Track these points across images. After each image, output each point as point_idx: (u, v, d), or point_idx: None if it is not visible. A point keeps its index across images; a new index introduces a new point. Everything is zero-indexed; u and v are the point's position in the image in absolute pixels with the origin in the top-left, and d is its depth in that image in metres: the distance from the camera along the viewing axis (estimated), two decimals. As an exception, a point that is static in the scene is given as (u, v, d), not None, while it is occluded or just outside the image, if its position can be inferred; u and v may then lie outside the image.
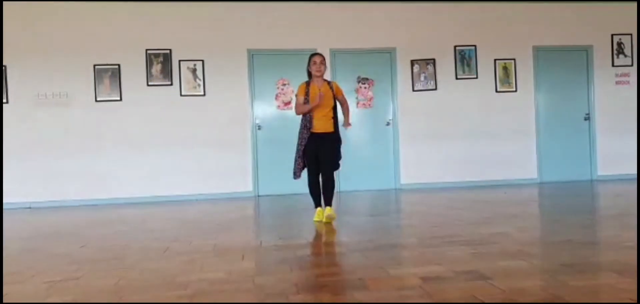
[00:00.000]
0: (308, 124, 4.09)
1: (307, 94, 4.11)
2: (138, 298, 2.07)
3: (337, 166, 4.18)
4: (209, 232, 3.82)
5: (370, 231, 3.60)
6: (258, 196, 6.80)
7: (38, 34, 6.53)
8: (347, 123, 4.30)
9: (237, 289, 2.14)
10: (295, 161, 4.17)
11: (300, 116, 4.16)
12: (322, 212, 4.06)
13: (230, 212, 5.08)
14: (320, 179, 4.12)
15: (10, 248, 3.45)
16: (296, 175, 4.18)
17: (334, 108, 4.16)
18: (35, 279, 2.48)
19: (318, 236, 3.58)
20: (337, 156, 4.16)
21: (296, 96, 4.25)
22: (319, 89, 4.07)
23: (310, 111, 4.06)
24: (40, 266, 2.81)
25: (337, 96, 4.18)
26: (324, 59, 4.20)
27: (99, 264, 2.79)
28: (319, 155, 4.07)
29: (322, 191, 4.11)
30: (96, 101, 6.62)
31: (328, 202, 4.08)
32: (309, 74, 4.20)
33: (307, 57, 4.27)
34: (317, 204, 4.15)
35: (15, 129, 6.46)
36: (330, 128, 4.12)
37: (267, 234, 3.71)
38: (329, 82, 4.21)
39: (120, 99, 6.66)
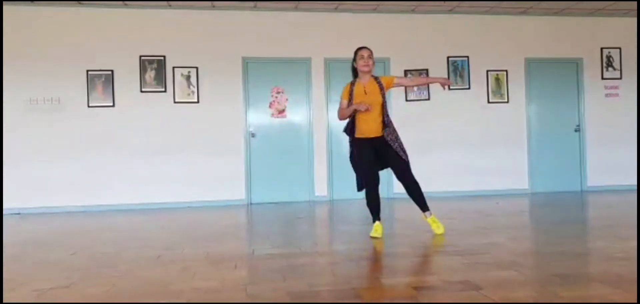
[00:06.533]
0: (350, 128, 3.69)
1: (351, 95, 3.70)
2: (130, 306, 2.05)
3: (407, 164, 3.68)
4: (201, 240, 3.80)
5: (364, 240, 3.60)
6: (251, 204, 6.77)
7: (30, 39, 6.50)
8: (443, 83, 3.92)
9: (230, 298, 2.13)
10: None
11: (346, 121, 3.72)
12: (381, 228, 3.63)
13: (223, 220, 5.06)
14: (405, 189, 3.73)
15: (0, 255, 3.41)
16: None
17: (383, 107, 3.66)
18: (25, 287, 2.45)
19: (311, 245, 3.58)
20: (402, 153, 3.65)
21: (341, 98, 3.82)
22: (364, 87, 3.67)
23: (352, 114, 3.64)
24: (30, 273, 2.78)
25: (390, 88, 3.73)
26: (372, 53, 3.70)
27: (90, 272, 2.76)
28: (388, 162, 3.67)
29: (413, 198, 3.74)
30: (88, 106, 6.58)
31: (424, 208, 3.73)
32: (354, 72, 3.77)
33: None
34: (375, 217, 3.66)
35: (5, 135, 6.40)
36: (377, 132, 3.64)
37: (260, 242, 3.70)
38: (376, 78, 3.71)
39: (113, 105, 6.63)
